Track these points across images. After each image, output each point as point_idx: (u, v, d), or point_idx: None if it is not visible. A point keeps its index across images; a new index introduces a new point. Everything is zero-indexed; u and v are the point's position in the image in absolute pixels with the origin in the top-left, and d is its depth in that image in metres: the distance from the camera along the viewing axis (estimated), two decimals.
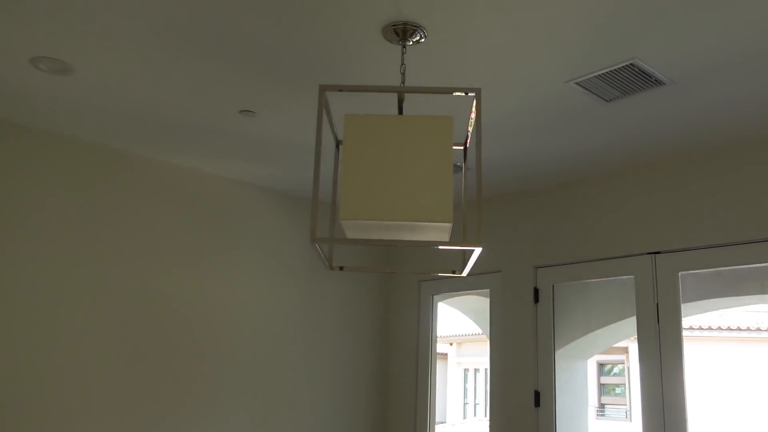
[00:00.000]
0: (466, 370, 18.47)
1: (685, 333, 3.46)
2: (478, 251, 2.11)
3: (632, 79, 2.70)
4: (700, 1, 2.14)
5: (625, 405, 14.80)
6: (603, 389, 15.43)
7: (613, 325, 5.07)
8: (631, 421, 14.11)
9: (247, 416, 4.13)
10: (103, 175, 3.76)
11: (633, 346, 13.08)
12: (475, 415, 17.54)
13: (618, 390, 15.17)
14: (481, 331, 15.67)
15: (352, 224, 2.15)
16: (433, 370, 4.64)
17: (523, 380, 3.97)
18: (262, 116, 3.24)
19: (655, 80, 2.70)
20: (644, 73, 2.64)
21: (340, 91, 2.14)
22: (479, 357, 17.47)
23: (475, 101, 2.13)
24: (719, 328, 12.05)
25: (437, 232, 2.19)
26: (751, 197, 3.24)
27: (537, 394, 3.89)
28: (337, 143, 2.54)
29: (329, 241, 2.04)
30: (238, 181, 4.32)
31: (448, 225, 2.09)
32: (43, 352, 3.43)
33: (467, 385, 18.35)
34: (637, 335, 3.53)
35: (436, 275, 4.61)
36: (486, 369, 17.70)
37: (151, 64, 2.74)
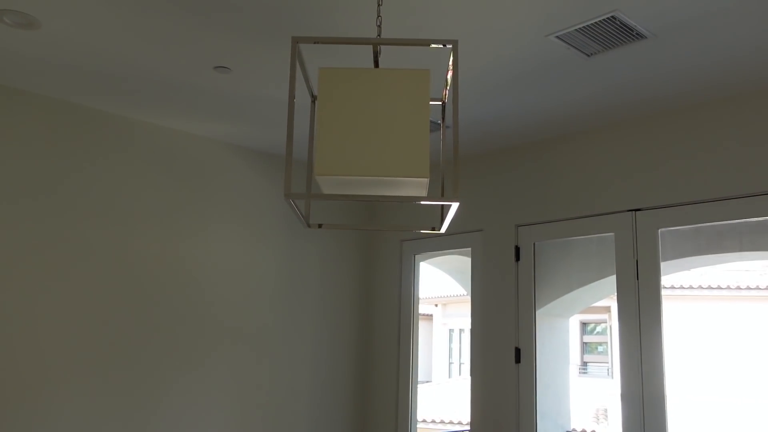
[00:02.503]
0: (451, 331, 18.68)
1: (665, 292, 3.48)
2: (455, 206, 2.08)
3: (613, 33, 2.66)
4: None
5: (607, 363, 15.08)
6: (585, 348, 15.69)
7: (593, 283, 5.11)
8: (612, 378, 14.38)
9: (226, 376, 4.14)
10: (72, 134, 3.68)
11: (615, 306, 13.29)
12: (460, 374, 17.81)
13: (600, 348, 15.42)
14: (465, 292, 15.81)
15: (327, 180, 2.11)
16: (415, 330, 4.67)
17: (504, 338, 4.00)
18: (237, 72, 3.17)
19: (637, 34, 2.66)
20: (625, 26, 2.60)
21: (315, 43, 2.09)
22: (463, 317, 17.65)
23: (452, 54, 2.08)
24: (699, 287, 12.22)
25: (414, 188, 2.16)
26: (730, 153, 3.23)
27: (518, 351, 3.92)
28: (313, 98, 2.48)
29: (303, 197, 2.00)
30: (212, 139, 4.25)
31: (425, 180, 2.06)
32: (16, 316, 3.39)
33: (452, 345, 18.58)
34: (617, 292, 3.55)
35: (415, 232, 4.60)
36: (462, 330, 17.93)
37: (121, 18, 2.65)
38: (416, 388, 4.63)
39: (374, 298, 4.92)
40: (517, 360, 3.92)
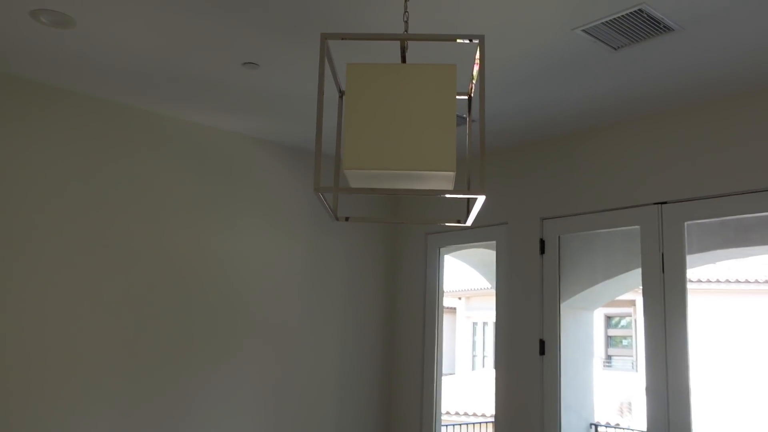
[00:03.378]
0: (474, 324, 18.70)
1: (692, 285, 3.47)
2: (482, 199, 2.11)
3: (640, 26, 2.66)
4: None
5: (632, 356, 14.99)
6: (610, 341, 15.61)
7: (618, 276, 5.10)
8: (637, 371, 14.31)
9: (255, 368, 4.21)
10: (105, 130, 3.76)
11: (640, 299, 13.22)
12: (483, 367, 17.82)
13: (625, 342, 15.34)
14: (489, 285, 15.81)
15: (355, 174, 2.15)
16: (439, 322, 4.70)
17: (529, 330, 4.02)
18: (265, 68, 3.22)
19: (664, 26, 2.65)
20: (652, 18, 2.60)
21: (342, 39, 2.13)
22: (487, 311, 17.65)
23: (478, 49, 2.11)
24: (726, 281, 12.09)
25: (441, 181, 2.19)
26: (758, 147, 3.21)
27: (542, 343, 3.94)
28: (341, 93, 2.52)
29: (332, 191, 2.04)
30: (241, 134, 4.31)
31: (452, 174, 2.09)
32: (46, 306, 3.49)
33: (476, 338, 18.60)
34: (642, 286, 3.55)
35: (442, 226, 4.63)
36: (494, 322, 17.91)
37: (152, 16, 2.71)
38: (441, 379, 4.67)
39: (399, 291, 4.96)
40: (542, 352, 3.94)
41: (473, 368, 18.36)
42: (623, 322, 15.34)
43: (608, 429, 8.76)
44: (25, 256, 3.42)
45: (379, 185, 2.27)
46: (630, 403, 13.83)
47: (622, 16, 2.58)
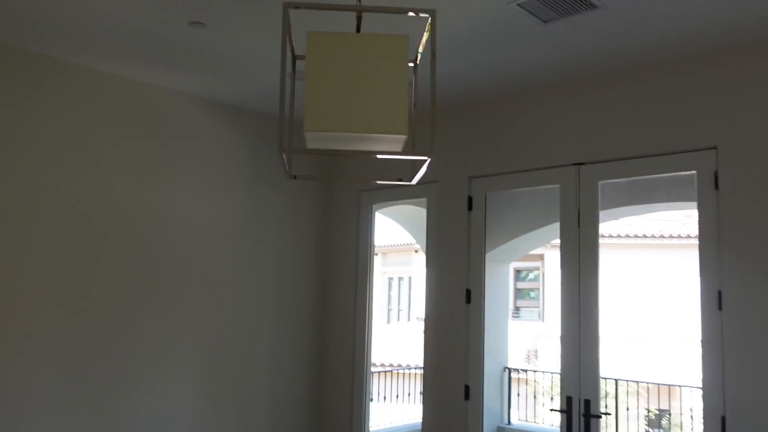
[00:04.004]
0: (390, 279, 19.17)
1: (600, 240, 3.84)
2: (429, 161, 2.33)
3: (569, 2, 2.92)
4: None
5: (538, 307, 15.89)
6: (518, 294, 16.44)
7: (538, 230, 5.49)
8: (543, 321, 15.20)
9: (193, 322, 4.34)
10: (41, 84, 3.72)
11: (549, 253, 13.93)
12: (399, 321, 18.38)
13: (532, 294, 16.20)
14: (406, 242, 16.18)
15: (314, 135, 2.32)
16: (371, 275, 4.95)
17: (456, 280, 4.33)
18: (211, 28, 3.29)
19: (589, 3, 2.93)
20: None
21: (305, 9, 2.27)
22: (404, 266, 18.14)
23: (429, 21, 2.30)
24: (627, 236, 13.00)
25: (393, 143, 2.39)
26: (665, 114, 3.58)
27: (468, 293, 4.26)
28: (294, 57, 2.66)
29: (299, 152, 2.21)
30: (183, 92, 4.34)
31: (404, 137, 2.29)
32: None
33: (391, 293, 19.12)
34: (560, 240, 3.90)
35: (379, 184, 4.83)
36: (410, 277, 18.47)
37: None
38: (372, 330, 4.94)
39: (333, 246, 5.17)
40: (468, 301, 4.26)
41: (388, 322, 18.88)
42: (531, 276, 16.17)
43: (519, 372, 9.41)
44: None
45: (334, 146, 2.45)
46: (536, 351, 14.74)
47: None
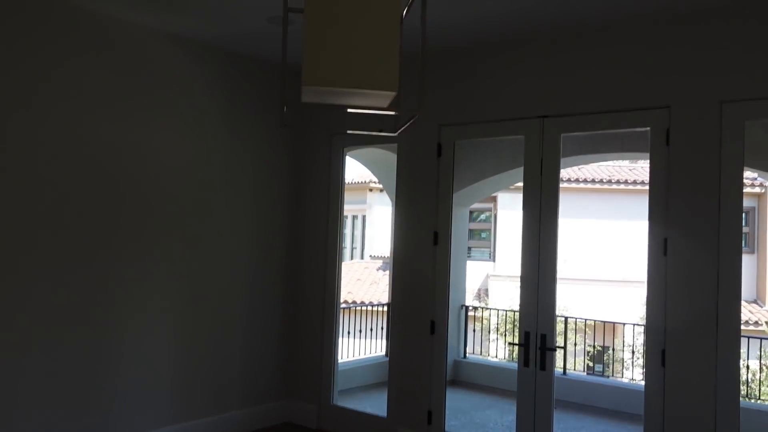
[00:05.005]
0: (345, 217, 19.40)
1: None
2: (416, 117, 2.54)
3: None
4: None
5: (489, 248, 16.41)
6: (470, 234, 16.92)
7: (499, 175, 5.77)
8: (494, 261, 15.75)
9: (171, 261, 4.51)
10: (16, 21, 3.74)
11: (501, 195, 14.36)
12: (351, 259, 18.73)
13: (483, 234, 16.69)
14: (361, 180, 16.35)
15: (310, 89, 2.49)
16: (341, 215, 5.18)
17: (424, 223, 4.59)
18: None
19: None
20: None
21: None
22: (358, 204, 18.39)
23: None
24: (576, 180, 13.51)
25: (382, 99, 2.57)
26: (624, 73, 3.84)
27: (436, 235, 4.54)
28: (286, 7, 2.77)
29: (297, 105, 2.37)
30: (164, 32, 4.38)
31: (393, 93, 2.48)
32: None
33: (346, 231, 19.40)
34: (523, 187, 4.17)
35: (358, 132, 4.99)
36: (364, 216, 18.77)
37: None
38: (341, 267, 5.20)
39: (304, 187, 5.35)
40: (435, 242, 4.54)
41: (349, 259, 19.21)
42: (482, 216, 16.62)
43: (475, 309, 9.89)
44: None
45: (327, 99, 2.62)
46: (486, 289, 15.34)
47: None
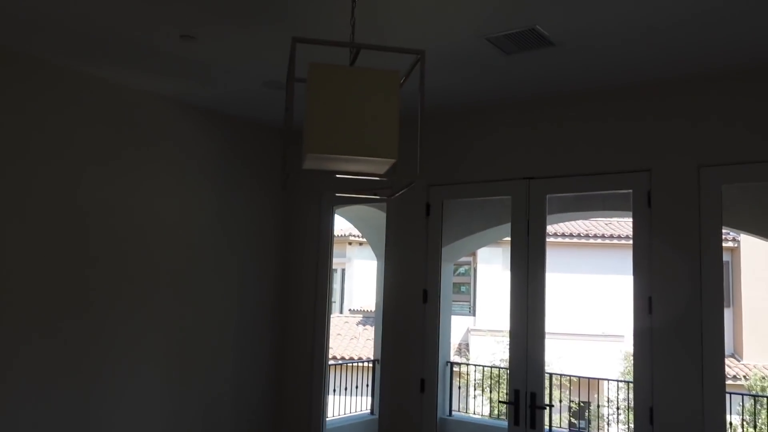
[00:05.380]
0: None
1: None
2: (414, 183, 2.65)
3: (530, 40, 3.28)
4: None
5: (469, 301, 16.46)
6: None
7: (484, 231, 5.87)
8: (475, 315, 15.78)
9: (161, 316, 4.52)
10: (31, 86, 3.82)
11: (481, 249, 14.50)
12: (331, 313, 18.62)
13: (463, 288, 16.75)
14: (341, 234, 16.40)
15: (312, 156, 2.59)
16: (330, 272, 5.24)
17: (414, 281, 4.66)
18: (200, 41, 3.49)
19: (548, 42, 3.30)
20: (541, 36, 3.23)
21: (303, 42, 2.53)
22: (338, 258, 18.42)
23: (420, 61, 2.60)
24: (554, 234, 13.74)
25: (381, 165, 2.68)
26: (607, 137, 4.01)
27: (425, 293, 4.61)
28: (288, 77, 2.90)
29: (298, 172, 2.47)
30: (161, 95, 4.49)
31: (393, 160, 2.59)
32: None
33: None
34: (511, 246, 4.28)
35: (342, 184, 5.09)
36: (343, 269, 18.77)
37: None
38: (330, 316, 5.24)
39: (294, 245, 5.41)
40: (425, 300, 4.61)
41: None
42: (461, 270, 16.72)
43: (461, 365, 9.88)
44: None
45: (329, 166, 2.72)
46: (467, 344, 15.32)
47: (519, 32, 3.18)
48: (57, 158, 3.97)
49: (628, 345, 11.78)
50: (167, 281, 4.55)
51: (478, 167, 4.49)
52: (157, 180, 4.51)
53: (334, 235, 5.33)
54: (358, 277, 18.40)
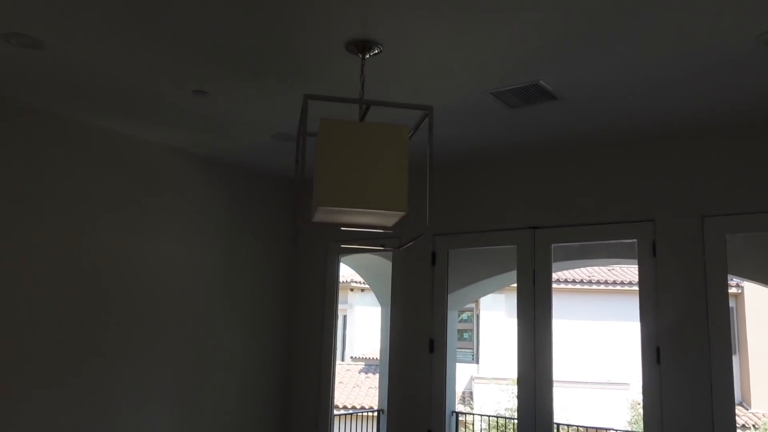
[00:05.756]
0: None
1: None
2: (422, 235, 2.69)
3: (534, 94, 3.36)
4: (590, 45, 2.82)
5: (472, 348, 16.31)
6: None
7: (488, 279, 5.89)
8: (478, 363, 15.62)
9: (168, 366, 4.51)
10: (47, 139, 3.90)
11: (484, 298, 14.44)
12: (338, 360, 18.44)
13: (466, 335, 16.63)
14: (342, 280, 16.32)
15: (323, 209, 2.63)
16: (336, 321, 5.24)
17: (420, 330, 4.66)
18: (211, 95, 3.58)
19: (552, 96, 3.38)
20: (544, 90, 3.31)
21: (314, 99, 2.60)
22: (340, 304, 18.31)
23: (428, 117, 2.67)
24: (557, 281, 13.71)
25: (390, 217, 2.72)
26: (611, 188, 4.07)
27: (431, 342, 4.60)
28: (299, 132, 2.97)
29: (310, 224, 2.51)
30: (169, 146, 4.57)
31: (402, 213, 2.63)
32: None
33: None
34: (517, 295, 4.30)
35: (348, 235, 5.14)
36: (344, 316, 18.64)
37: (116, 42, 2.98)
38: (336, 364, 5.22)
39: (299, 293, 5.43)
40: (431, 350, 4.60)
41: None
42: (464, 316, 16.62)
43: (466, 415, 9.75)
44: None
45: (338, 219, 2.76)
46: (471, 392, 15.12)
47: (523, 86, 3.27)
48: (69, 208, 4.02)
49: (633, 392, 11.66)
50: (175, 328, 4.56)
51: (484, 217, 4.54)
52: (167, 229, 4.56)
53: (339, 283, 5.34)
54: (359, 324, 18.28)
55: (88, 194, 4.13)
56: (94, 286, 4.13)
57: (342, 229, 3.89)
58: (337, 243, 5.26)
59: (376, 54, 2.92)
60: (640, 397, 3.82)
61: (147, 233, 4.44)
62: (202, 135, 4.31)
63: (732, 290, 12.35)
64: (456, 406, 12.63)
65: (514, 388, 4.23)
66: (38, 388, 3.81)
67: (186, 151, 4.72)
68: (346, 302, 18.13)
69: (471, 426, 9.57)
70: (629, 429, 9.87)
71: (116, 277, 4.25)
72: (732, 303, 12.74)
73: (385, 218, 2.72)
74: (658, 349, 3.75)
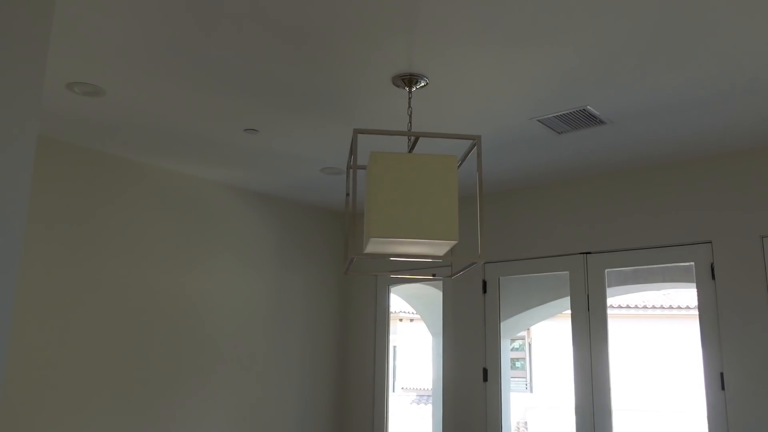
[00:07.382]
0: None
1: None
2: (475, 264, 2.69)
3: (581, 119, 3.36)
4: (638, 70, 2.80)
5: (525, 377, 16.00)
6: None
7: (540, 306, 5.81)
8: (532, 392, 15.31)
9: (226, 398, 4.57)
10: (107, 181, 4.06)
11: (536, 326, 14.21)
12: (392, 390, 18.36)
13: (518, 364, 16.34)
14: (391, 311, 16.31)
15: (375, 240, 2.67)
16: (388, 352, 5.24)
17: (473, 359, 4.63)
18: (262, 134, 3.68)
19: (599, 121, 3.37)
20: (592, 115, 3.30)
21: (363, 134, 2.65)
22: (391, 334, 18.26)
23: (476, 146, 2.69)
24: (610, 306, 13.41)
25: (442, 246, 2.74)
26: (665, 210, 4.01)
27: (485, 371, 4.56)
28: (349, 165, 3.03)
29: (362, 255, 2.54)
30: (221, 182, 4.70)
31: (454, 242, 2.65)
32: (38, 346, 3.74)
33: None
34: (571, 321, 4.24)
35: (413, 277, 5.17)
36: (394, 346, 18.58)
37: (171, 87, 3.12)
38: (389, 395, 5.21)
39: (351, 325, 5.46)
40: (485, 379, 4.55)
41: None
42: (516, 345, 16.35)
43: None
44: (22, 297, 3.66)
45: (390, 249, 2.79)
46: (526, 422, 14.81)
47: (570, 112, 3.27)
48: (130, 244, 4.16)
49: (694, 419, 11.24)
50: (226, 362, 4.62)
51: (534, 243, 4.51)
52: (224, 265, 4.66)
53: (390, 313, 5.35)
54: (409, 355, 18.20)
55: (150, 235, 4.26)
56: (151, 324, 4.23)
57: (391, 259, 3.92)
58: (387, 273, 5.28)
59: (422, 87, 2.97)
60: (704, 424, 3.71)
61: (202, 269, 4.54)
62: (253, 171, 4.42)
63: None
64: None
65: (572, 417, 4.16)
66: (107, 425, 3.91)
67: (238, 188, 4.83)
68: (395, 333, 18.09)
69: None
70: None
71: (173, 314, 4.35)
72: None
73: (436, 248, 2.74)
74: (722, 375, 3.64)
